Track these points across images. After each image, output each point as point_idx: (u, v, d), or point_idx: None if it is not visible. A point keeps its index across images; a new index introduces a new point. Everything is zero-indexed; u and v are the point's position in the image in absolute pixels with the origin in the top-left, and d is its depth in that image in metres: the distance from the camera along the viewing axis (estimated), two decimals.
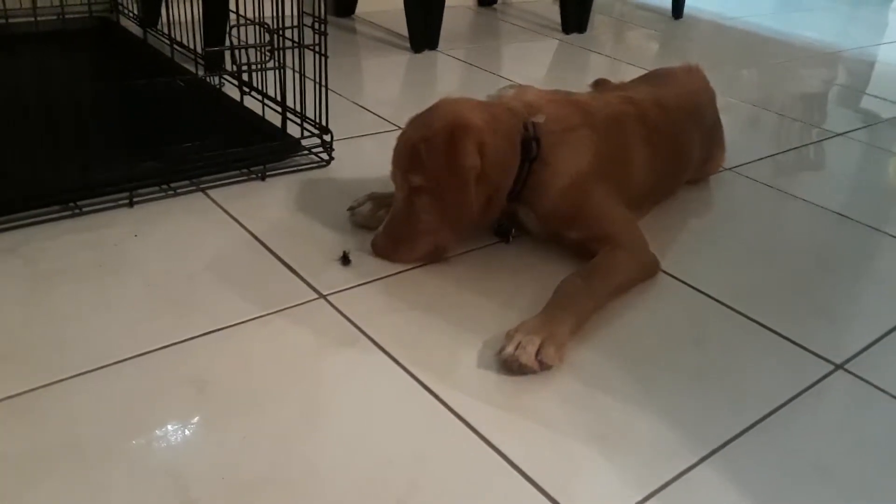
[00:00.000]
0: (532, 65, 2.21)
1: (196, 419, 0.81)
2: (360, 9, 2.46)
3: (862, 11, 3.74)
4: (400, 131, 1.12)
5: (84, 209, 1.15)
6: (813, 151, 1.78)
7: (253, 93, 1.42)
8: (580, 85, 1.69)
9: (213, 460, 0.76)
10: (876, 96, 2.28)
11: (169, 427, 0.79)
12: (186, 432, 0.79)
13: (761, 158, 1.66)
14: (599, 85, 1.66)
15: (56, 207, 1.14)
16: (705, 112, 1.43)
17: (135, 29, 1.87)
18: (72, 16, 1.82)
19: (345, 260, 1.09)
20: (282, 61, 1.32)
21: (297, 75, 1.32)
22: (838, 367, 1.00)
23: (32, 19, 1.38)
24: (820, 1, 3.83)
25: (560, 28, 2.56)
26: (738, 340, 1.03)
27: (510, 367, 0.91)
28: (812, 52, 2.73)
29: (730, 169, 1.57)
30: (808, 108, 2.10)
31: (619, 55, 2.37)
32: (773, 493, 0.79)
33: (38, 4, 1.73)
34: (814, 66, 2.56)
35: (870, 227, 1.40)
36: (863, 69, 2.61)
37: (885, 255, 1.33)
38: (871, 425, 0.91)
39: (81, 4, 1.84)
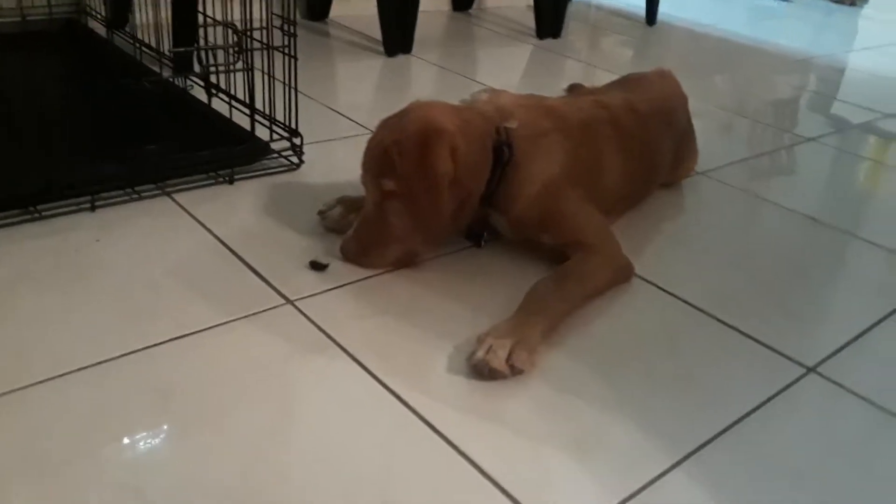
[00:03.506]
0: (507, 70, 2.21)
1: (160, 429, 0.78)
2: (334, 12, 2.44)
3: (833, 19, 3.79)
4: (372, 134, 1.10)
5: (44, 213, 1.12)
6: (785, 156, 1.79)
7: (221, 95, 1.39)
8: (555, 90, 1.68)
9: (177, 471, 0.74)
10: (847, 102, 2.30)
11: (132, 437, 0.77)
12: (150, 442, 0.77)
13: (733, 163, 1.67)
14: (574, 90, 1.65)
15: (16, 211, 1.11)
16: (677, 116, 1.43)
17: (103, 31, 1.83)
18: (35, 17, 1.78)
19: (315, 266, 1.07)
20: (250, 63, 1.30)
21: (266, 78, 1.30)
22: (810, 370, 1.00)
23: None
24: (791, 9, 3.88)
25: (535, 33, 2.56)
26: (711, 344, 1.03)
27: (481, 371, 0.89)
28: (784, 58, 2.76)
29: (702, 173, 1.58)
30: (780, 113, 2.12)
31: (594, 61, 2.38)
32: (746, 496, 0.79)
33: (3, 5, 1.70)
34: (785, 72, 2.58)
35: (841, 230, 1.40)
36: (833, 76, 2.64)
37: (855, 258, 1.33)
38: (844, 428, 0.90)
39: (43, 6, 1.81)
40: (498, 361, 0.89)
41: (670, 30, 2.98)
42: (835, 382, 0.98)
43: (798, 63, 2.73)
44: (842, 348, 1.05)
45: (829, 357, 1.03)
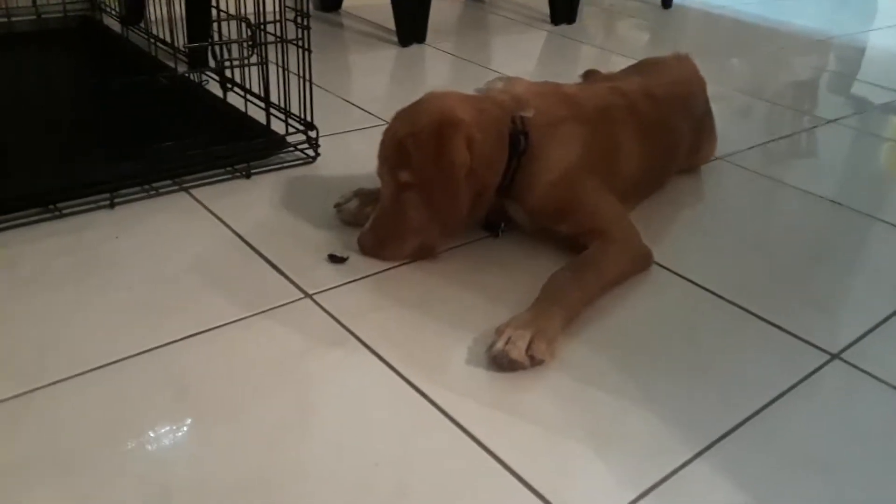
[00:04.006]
0: (521, 57, 2.19)
1: (179, 424, 0.79)
2: (347, 3, 2.43)
3: None
4: (387, 126, 1.10)
5: (64, 211, 1.13)
6: (805, 139, 1.77)
7: (236, 89, 1.39)
8: (570, 76, 1.67)
9: (196, 466, 0.74)
10: (867, 82, 2.27)
11: (152, 433, 0.77)
12: (170, 438, 0.77)
13: (753, 147, 1.65)
14: (590, 76, 1.64)
15: (35, 210, 1.12)
16: (695, 101, 1.42)
17: (117, 27, 1.84)
18: (50, 15, 1.79)
19: (333, 259, 1.07)
20: (264, 57, 1.30)
21: (280, 71, 1.30)
22: (834, 356, 0.99)
23: (6, 19, 1.36)
24: None
25: (549, 19, 2.54)
26: (733, 332, 1.02)
27: (500, 363, 0.89)
28: (802, 39, 2.72)
29: (721, 158, 1.56)
30: (799, 95, 2.09)
31: (609, 46, 2.35)
32: (769, 486, 0.78)
33: (19, 4, 1.71)
34: (804, 53, 2.54)
35: (863, 213, 1.38)
36: (853, 55, 2.60)
37: (879, 241, 1.31)
38: (868, 415, 0.89)
39: (57, 3, 1.81)
40: (517, 352, 0.88)
41: (686, 12, 2.94)
42: (859, 369, 0.97)
43: (817, 43, 2.68)
44: (866, 334, 1.04)
45: (852, 343, 1.01)
